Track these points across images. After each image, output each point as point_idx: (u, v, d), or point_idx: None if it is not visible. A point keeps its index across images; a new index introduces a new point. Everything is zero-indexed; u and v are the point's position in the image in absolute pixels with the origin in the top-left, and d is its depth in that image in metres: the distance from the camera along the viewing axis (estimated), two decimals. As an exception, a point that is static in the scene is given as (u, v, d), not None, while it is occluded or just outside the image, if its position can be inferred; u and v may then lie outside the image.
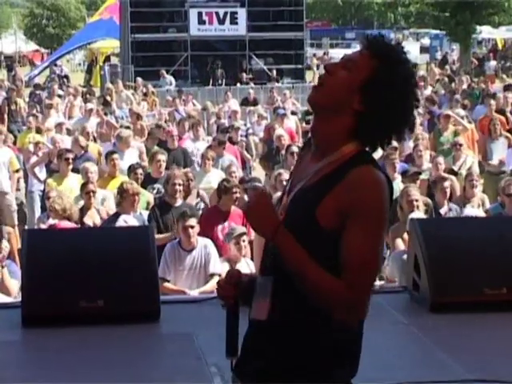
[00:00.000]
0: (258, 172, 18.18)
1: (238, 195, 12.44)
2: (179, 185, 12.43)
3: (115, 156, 15.11)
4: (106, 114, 22.13)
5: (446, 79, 36.82)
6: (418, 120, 21.16)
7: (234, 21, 43.65)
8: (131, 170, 14.21)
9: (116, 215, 12.10)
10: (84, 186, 13.19)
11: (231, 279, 4.16)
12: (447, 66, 48.69)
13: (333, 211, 3.79)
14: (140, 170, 14.17)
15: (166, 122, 22.86)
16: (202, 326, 8.26)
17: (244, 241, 11.22)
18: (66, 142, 17.85)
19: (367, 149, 3.97)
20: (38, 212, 16.07)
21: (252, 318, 4.01)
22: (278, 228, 3.82)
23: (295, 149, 15.69)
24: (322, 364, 3.88)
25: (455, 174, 15.48)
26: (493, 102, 23.31)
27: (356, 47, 45.19)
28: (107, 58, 51.33)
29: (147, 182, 14.27)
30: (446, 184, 13.21)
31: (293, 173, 4.22)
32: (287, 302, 3.92)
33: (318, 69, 48.19)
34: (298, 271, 3.83)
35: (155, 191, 13.82)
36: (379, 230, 3.88)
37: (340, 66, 3.98)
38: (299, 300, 3.88)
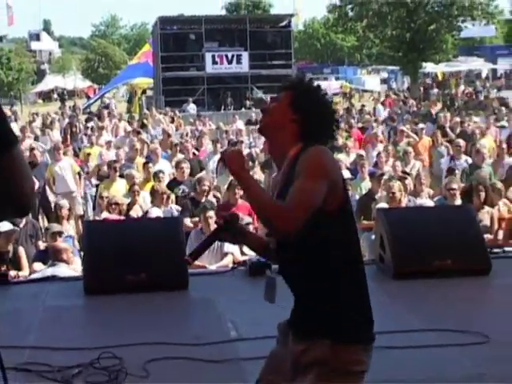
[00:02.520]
0: (258, 175, 18.07)
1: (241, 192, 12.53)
2: (207, 186, 12.58)
3: (149, 165, 15.31)
4: (138, 134, 22.07)
5: (401, 103, 36.92)
6: (381, 133, 21.29)
7: (239, 61, 43.85)
8: (155, 175, 14.26)
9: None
10: (131, 187, 13.35)
11: (222, 209, 4.23)
12: (401, 93, 48.70)
13: None
14: (161, 175, 14.23)
15: (189, 137, 23.07)
16: (220, 293, 8.24)
17: (249, 227, 11.27)
18: (110, 155, 18.16)
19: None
20: (89, 208, 16.50)
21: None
22: (243, 167, 3.79)
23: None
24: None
25: (408, 174, 15.44)
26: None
27: (332, 79, 44.96)
28: (144, 91, 51.19)
29: (174, 184, 14.31)
30: (407, 182, 13.31)
31: (273, 184, 4.23)
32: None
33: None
34: (253, 202, 3.86)
35: (180, 191, 13.85)
36: (314, 178, 3.72)
37: (270, 103, 4.15)
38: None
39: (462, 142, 17.82)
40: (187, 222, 11.51)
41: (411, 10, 47.69)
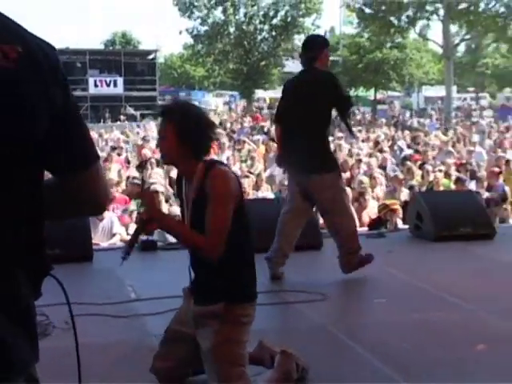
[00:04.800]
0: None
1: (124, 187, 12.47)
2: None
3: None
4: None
5: (242, 119, 37.34)
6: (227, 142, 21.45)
7: (115, 85, 43.71)
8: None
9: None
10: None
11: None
12: (239, 112, 49.09)
13: None
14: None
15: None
16: (117, 263, 8.08)
17: (132, 213, 11.26)
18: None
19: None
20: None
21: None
22: (163, 214, 4.15)
23: (154, 161, 15.63)
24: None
25: (252, 174, 15.59)
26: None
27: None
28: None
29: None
30: (250, 179, 13.51)
31: (185, 194, 4.15)
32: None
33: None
34: (180, 238, 4.08)
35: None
36: (224, 206, 3.84)
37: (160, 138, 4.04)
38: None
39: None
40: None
41: (248, 50, 48.29)
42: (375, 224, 10.56)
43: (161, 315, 6.04)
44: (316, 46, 7.12)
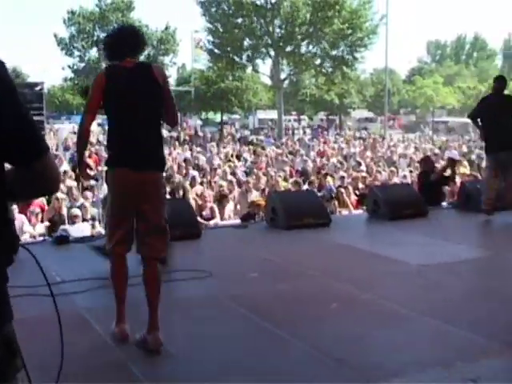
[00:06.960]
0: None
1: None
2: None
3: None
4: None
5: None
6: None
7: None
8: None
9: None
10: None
11: None
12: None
13: None
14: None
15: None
16: (39, 255, 7.87)
17: (38, 215, 11.00)
18: None
19: None
20: None
21: None
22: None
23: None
24: None
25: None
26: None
27: (66, 123, 42.44)
28: None
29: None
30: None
31: None
32: None
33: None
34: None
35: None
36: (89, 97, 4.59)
37: None
38: None
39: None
40: None
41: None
42: (247, 218, 10.91)
43: (84, 293, 6.11)
44: (504, 81, 9.49)
